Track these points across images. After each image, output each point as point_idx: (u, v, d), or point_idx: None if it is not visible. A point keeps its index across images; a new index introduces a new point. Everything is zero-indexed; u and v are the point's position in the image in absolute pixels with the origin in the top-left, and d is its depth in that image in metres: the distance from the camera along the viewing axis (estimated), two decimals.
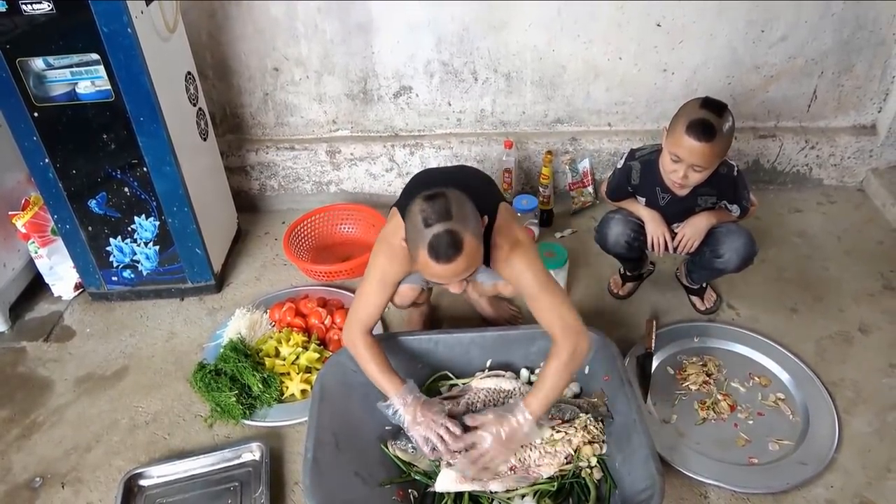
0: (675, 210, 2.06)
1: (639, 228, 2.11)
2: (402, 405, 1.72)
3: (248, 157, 2.86)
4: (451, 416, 1.82)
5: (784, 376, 2.05)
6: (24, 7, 1.83)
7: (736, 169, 1.99)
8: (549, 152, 2.75)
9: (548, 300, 1.67)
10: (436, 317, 2.35)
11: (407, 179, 2.88)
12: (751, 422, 1.91)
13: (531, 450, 1.70)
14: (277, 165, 2.89)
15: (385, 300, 1.82)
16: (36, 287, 2.52)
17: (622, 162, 2.11)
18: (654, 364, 2.08)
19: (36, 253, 2.40)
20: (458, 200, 1.54)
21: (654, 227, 2.09)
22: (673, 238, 2.11)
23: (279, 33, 2.60)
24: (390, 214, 1.86)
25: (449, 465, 1.68)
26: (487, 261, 1.71)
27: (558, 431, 1.75)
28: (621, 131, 2.86)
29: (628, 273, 2.38)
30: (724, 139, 1.82)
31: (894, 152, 2.85)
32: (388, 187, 2.94)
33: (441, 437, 1.67)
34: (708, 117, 1.78)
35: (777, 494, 1.73)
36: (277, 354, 2.14)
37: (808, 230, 2.71)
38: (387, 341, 1.95)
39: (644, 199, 2.10)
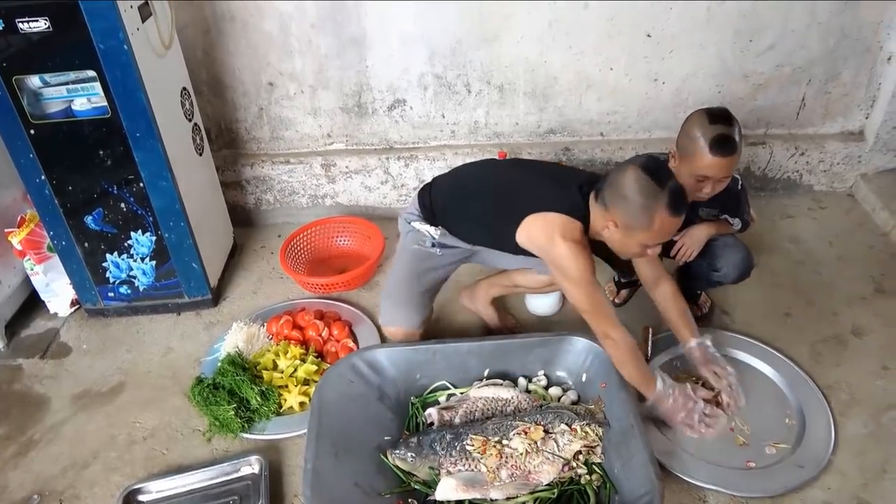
0: None
1: None
2: (667, 396, 1.80)
3: (243, 172, 2.88)
4: (450, 425, 1.83)
5: (779, 380, 2.06)
6: (20, 25, 1.85)
7: (740, 183, 2.02)
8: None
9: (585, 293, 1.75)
10: (435, 328, 2.36)
11: (402, 191, 2.93)
12: (746, 427, 1.92)
13: (533, 455, 1.70)
14: (273, 179, 2.90)
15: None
16: (32, 304, 2.52)
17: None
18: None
19: (32, 270, 2.40)
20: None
21: None
22: (669, 246, 2.12)
23: (273, 49, 2.62)
24: (535, 218, 1.77)
25: (449, 473, 1.69)
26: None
27: (550, 435, 1.76)
28: (613, 141, 2.89)
29: (623, 280, 2.40)
30: (742, 145, 1.86)
31: (882, 158, 2.89)
32: (383, 199, 2.96)
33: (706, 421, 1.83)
34: (725, 131, 1.80)
35: (775, 497, 1.74)
36: (275, 367, 2.14)
37: (799, 235, 2.74)
38: (385, 351, 1.96)
39: None
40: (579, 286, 1.72)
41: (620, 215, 1.66)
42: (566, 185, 1.80)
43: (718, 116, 1.83)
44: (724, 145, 1.79)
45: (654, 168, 1.63)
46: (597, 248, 2.16)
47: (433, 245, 1.99)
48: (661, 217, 1.61)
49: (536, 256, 1.81)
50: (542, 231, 1.75)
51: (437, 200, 1.97)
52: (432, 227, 1.98)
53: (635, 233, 1.66)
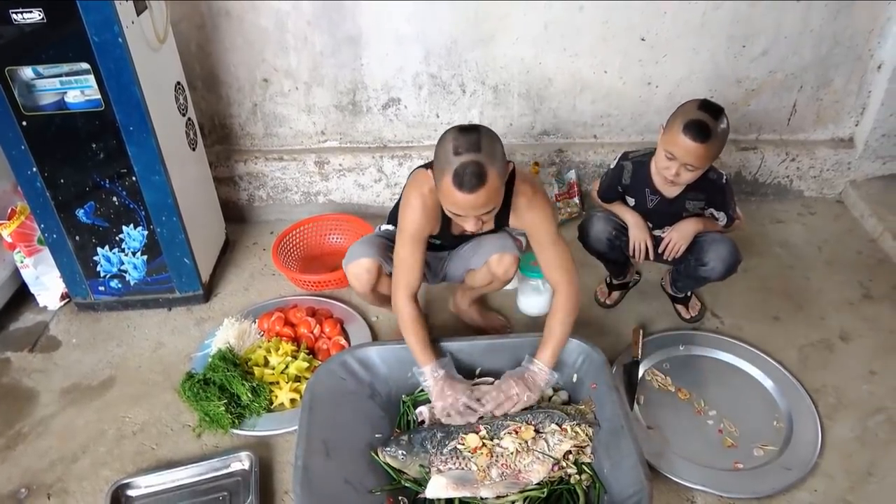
0: (664, 212, 2.09)
1: (621, 228, 2.15)
2: (431, 378, 1.84)
3: (236, 168, 2.87)
4: (440, 423, 1.83)
5: (768, 383, 2.08)
6: (14, 16, 1.83)
7: (725, 178, 2.04)
8: (536, 163, 2.78)
9: (558, 252, 1.85)
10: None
11: (395, 190, 2.94)
12: (735, 429, 1.94)
13: (523, 454, 1.71)
14: (266, 176, 2.90)
15: (422, 256, 1.87)
16: (21, 297, 2.50)
17: (615, 162, 2.15)
18: (641, 372, 2.11)
19: (22, 263, 2.38)
20: (489, 137, 1.62)
21: (637, 233, 2.13)
22: (656, 246, 2.14)
23: (269, 45, 2.62)
24: (418, 173, 1.85)
25: (439, 471, 1.69)
26: (506, 219, 1.84)
27: (541, 435, 1.77)
28: (607, 143, 2.90)
29: (614, 282, 2.41)
30: (718, 141, 1.86)
31: (871, 165, 2.93)
32: (376, 198, 2.96)
33: (460, 411, 1.80)
34: (705, 119, 1.82)
35: (762, 499, 1.76)
36: (266, 364, 2.14)
37: (789, 240, 2.76)
38: (377, 349, 1.96)
39: (633, 200, 2.13)
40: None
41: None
42: None
43: (708, 106, 1.86)
44: (695, 129, 1.82)
45: (468, 131, 1.60)
46: (592, 248, 2.18)
47: None
48: (446, 183, 1.58)
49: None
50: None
51: None
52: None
53: (439, 191, 1.66)
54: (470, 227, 1.69)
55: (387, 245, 2.01)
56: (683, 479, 1.79)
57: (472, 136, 1.58)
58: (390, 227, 2.09)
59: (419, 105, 2.78)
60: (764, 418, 1.98)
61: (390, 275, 1.97)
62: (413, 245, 1.83)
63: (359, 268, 1.96)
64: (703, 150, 1.83)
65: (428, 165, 1.78)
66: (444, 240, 1.98)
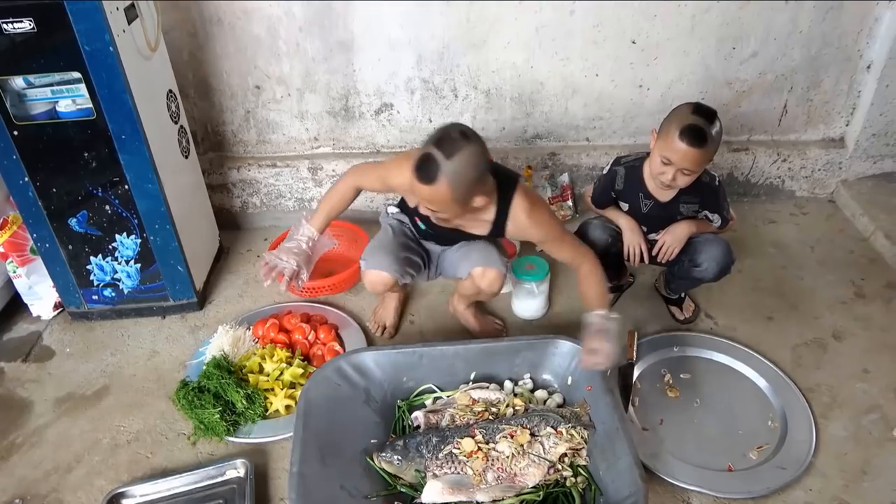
0: (657, 216, 2.10)
1: (616, 235, 2.15)
2: (304, 237, 2.00)
3: (229, 175, 2.87)
4: (436, 428, 1.84)
5: (762, 383, 2.09)
6: (4, 26, 1.82)
7: (718, 180, 2.05)
8: (530, 167, 2.79)
9: (570, 245, 1.93)
10: (422, 332, 2.37)
11: (389, 195, 2.93)
12: (728, 427, 1.94)
13: (519, 458, 1.71)
14: (259, 183, 2.90)
15: (374, 186, 2.00)
16: (14, 307, 2.49)
17: (608, 168, 2.16)
18: (636, 373, 2.11)
19: (14, 272, 2.37)
20: (472, 158, 1.64)
21: (631, 237, 2.13)
22: (650, 249, 2.15)
23: (261, 52, 2.62)
24: None
25: (435, 476, 1.69)
26: (503, 230, 1.90)
27: (536, 438, 1.77)
28: (599, 146, 2.91)
29: (609, 284, 2.41)
30: (714, 145, 1.87)
31: (862, 164, 2.94)
32: (370, 203, 2.96)
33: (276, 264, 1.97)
34: (700, 123, 1.83)
35: (757, 499, 1.76)
36: (261, 371, 2.14)
37: (782, 240, 2.77)
38: (371, 355, 1.96)
39: (627, 205, 2.14)
40: None
41: None
42: None
43: (702, 111, 1.87)
44: (692, 135, 1.82)
45: (459, 137, 1.64)
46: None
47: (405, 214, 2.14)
48: (413, 178, 1.66)
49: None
50: None
51: None
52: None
53: None
54: (424, 211, 1.78)
55: (405, 249, 2.08)
56: (679, 480, 1.79)
57: (452, 139, 1.62)
58: (398, 210, 2.18)
59: (412, 110, 2.79)
60: (758, 418, 1.99)
61: (402, 285, 2.10)
62: (379, 176, 1.95)
63: (377, 278, 2.03)
64: (699, 154, 1.84)
65: None
66: (427, 226, 2.01)
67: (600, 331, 1.83)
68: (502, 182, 1.84)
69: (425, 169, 1.62)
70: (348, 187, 2.02)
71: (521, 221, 1.86)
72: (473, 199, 1.71)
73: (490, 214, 1.87)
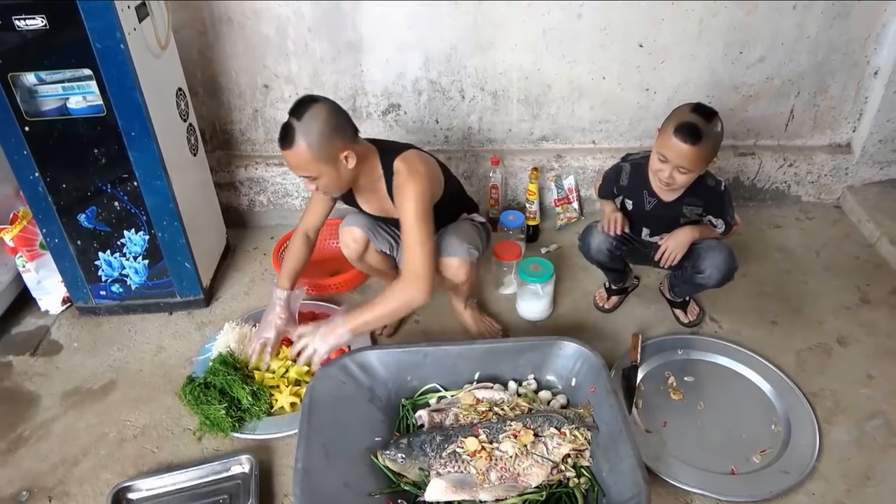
0: (661, 215, 2.10)
1: (621, 239, 2.16)
2: (276, 298, 2.13)
3: (237, 173, 2.89)
4: (440, 427, 1.84)
5: (766, 387, 2.09)
6: (16, 23, 1.85)
7: (723, 185, 2.05)
8: (535, 169, 2.80)
9: (414, 239, 1.85)
10: (427, 331, 2.38)
11: None
12: (732, 430, 1.95)
13: (522, 458, 1.72)
14: (266, 181, 2.91)
15: (315, 215, 2.15)
16: (23, 301, 2.52)
17: (616, 163, 2.17)
18: (640, 376, 2.12)
19: (24, 267, 2.39)
20: (319, 113, 1.75)
21: (610, 211, 2.16)
22: (649, 252, 2.15)
23: (270, 51, 2.64)
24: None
25: (439, 474, 1.70)
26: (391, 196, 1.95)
27: (540, 439, 1.77)
28: (605, 149, 2.92)
29: (613, 287, 2.42)
30: (710, 144, 1.86)
31: (869, 170, 2.94)
32: None
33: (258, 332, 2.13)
34: (696, 121, 1.83)
35: (760, 502, 1.76)
36: (267, 368, 2.15)
37: (787, 245, 2.78)
38: (376, 353, 1.97)
39: (631, 202, 2.14)
40: None
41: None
42: None
43: (701, 109, 1.87)
44: (686, 131, 1.83)
45: (303, 102, 1.77)
46: (594, 260, 2.19)
47: None
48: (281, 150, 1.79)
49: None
50: None
51: None
52: None
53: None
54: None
55: (378, 225, 2.14)
56: (681, 482, 1.79)
57: (304, 106, 1.75)
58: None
59: (419, 111, 2.80)
60: (762, 422, 1.99)
61: (379, 251, 2.16)
62: (315, 209, 2.13)
63: (348, 235, 2.11)
64: (693, 152, 1.84)
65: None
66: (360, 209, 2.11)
67: (330, 326, 1.94)
68: (390, 149, 1.95)
69: (284, 135, 1.76)
70: (297, 239, 2.16)
71: (397, 184, 1.89)
72: (337, 154, 1.79)
73: (382, 185, 1.96)
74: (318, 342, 1.94)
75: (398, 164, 1.90)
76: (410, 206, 1.84)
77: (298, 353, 1.97)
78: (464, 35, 2.60)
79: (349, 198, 2.07)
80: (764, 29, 2.61)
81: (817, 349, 2.25)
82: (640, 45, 2.64)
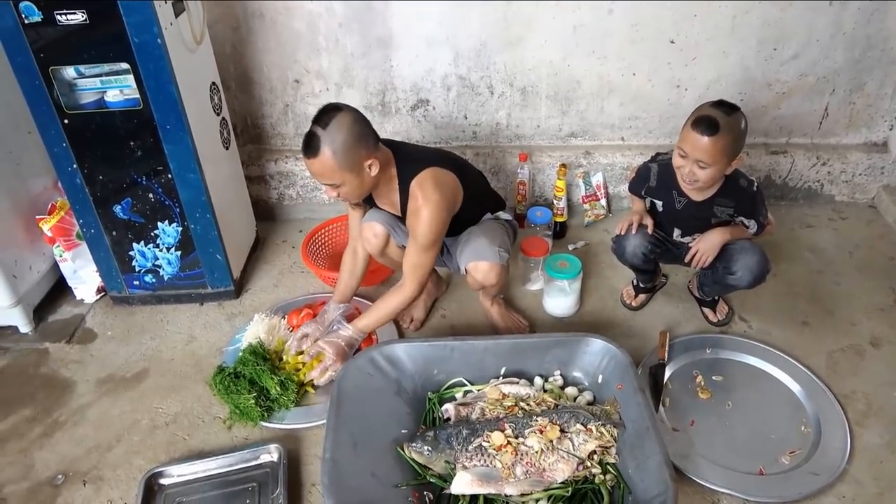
0: (692, 215, 2.08)
1: (656, 241, 2.14)
2: (331, 308, 2.22)
3: (267, 167, 2.92)
4: (466, 421, 1.85)
5: (795, 388, 2.06)
6: (58, 17, 1.89)
7: (756, 185, 2.03)
8: (564, 165, 2.79)
9: (417, 249, 1.95)
10: (454, 325, 2.39)
11: None
12: (760, 431, 1.93)
13: (548, 453, 1.72)
14: (296, 175, 2.94)
15: (354, 223, 2.19)
16: (59, 290, 2.58)
17: (646, 161, 2.16)
18: (667, 374, 2.11)
19: (61, 256, 2.45)
20: (345, 121, 1.77)
21: (635, 211, 2.18)
22: (680, 252, 2.14)
23: (301, 47, 2.66)
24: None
25: (465, 468, 1.71)
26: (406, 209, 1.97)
27: (566, 434, 1.78)
28: (634, 146, 2.90)
29: (641, 285, 2.41)
30: (730, 137, 1.84)
31: None
32: None
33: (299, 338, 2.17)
34: (714, 114, 1.83)
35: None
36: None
37: (819, 245, 2.73)
38: (403, 346, 1.99)
39: (661, 203, 2.13)
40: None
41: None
42: None
43: (723, 104, 1.86)
44: (703, 124, 1.82)
45: (329, 109, 1.80)
46: (628, 263, 2.19)
47: None
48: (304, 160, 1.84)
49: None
50: None
51: None
52: None
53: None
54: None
55: (397, 219, 2.14)
56: (709, 481, 1.78)
57: (329, 113, 1.77)
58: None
59: (447, 106, 2.81)
60: (791, 423, 1.96)
61: (400, 246, 2.13)
62: (352, 207, 2.15)
63: (369, 231, 2.10)
64: (710, 144, 1.82)
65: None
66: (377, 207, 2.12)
67: (341, 336, 2.06)
68: (407, 160, 1.95)
69: (308, 144, 1.77)
70: (347, 255, 2.23)
71: (412, 209, 1.91)
72: (361, 163, 1.81)
73: (397, 198, 1.98)
74: (338, 354, 2.04)
75: (414, 188, 1.90)
76: (422, 230, 1.90)
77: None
78: (493, 31, 2.60)
79: (367, 197, 2.08)
80: (799, 25, 2.57)
81: (849, 350, 2.22)
82: (672, 42, 2.61)
